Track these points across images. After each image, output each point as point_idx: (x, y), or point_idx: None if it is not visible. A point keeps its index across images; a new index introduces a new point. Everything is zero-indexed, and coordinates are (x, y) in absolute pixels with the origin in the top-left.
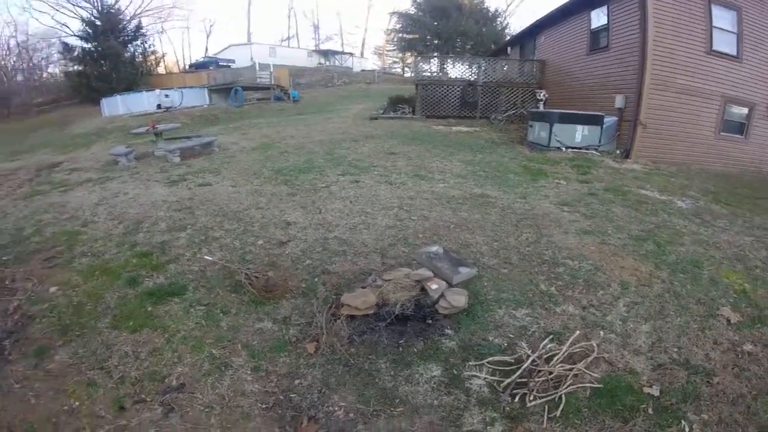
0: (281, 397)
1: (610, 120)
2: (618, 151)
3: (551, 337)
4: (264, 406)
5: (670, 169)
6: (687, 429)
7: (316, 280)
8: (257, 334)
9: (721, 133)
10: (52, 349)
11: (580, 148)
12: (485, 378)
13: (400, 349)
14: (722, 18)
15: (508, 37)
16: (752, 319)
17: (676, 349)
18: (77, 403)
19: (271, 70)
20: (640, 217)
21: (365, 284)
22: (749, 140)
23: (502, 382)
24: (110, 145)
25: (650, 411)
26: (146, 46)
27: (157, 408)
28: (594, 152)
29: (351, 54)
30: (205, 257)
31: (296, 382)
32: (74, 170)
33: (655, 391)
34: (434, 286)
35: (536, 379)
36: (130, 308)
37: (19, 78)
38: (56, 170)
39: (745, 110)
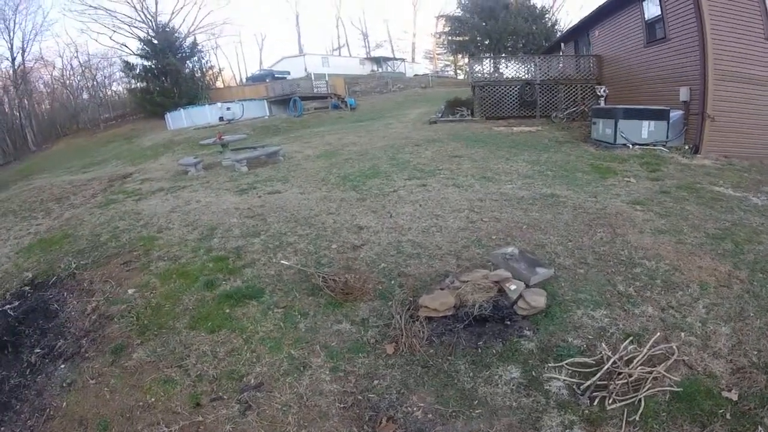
0: (359, 397)
1: (676, 114)
2: (687, 147)
3: (631, 338)
4: (342, 405)
5: (742, 164)
6: None
7: (392, 282)
8: (335, 335)
9: None
10: (130, 348)
11: (647, 145)
12: (564, 380)
13: (479, 350)
14: None
15: (559, 34)
16: None
17: (755, 352)
18: (153, 399)
19: (327, 79)
20: (716, 215)
21: (443, 286)
22: None
23: (582, 384)
24: (178, 157)
25: (728, 416)
26: (203, 61)
27: (234, 406)
28: (662, 148)
29: (402, 59)
30: (281, 261)
31: (375, 382)
32: (145, 180)
33: (733, 396)
34: (513, 287)
35: (616, 382)
36: (208, 310)
37: (85, 96)
38: (128, 180)
39: None
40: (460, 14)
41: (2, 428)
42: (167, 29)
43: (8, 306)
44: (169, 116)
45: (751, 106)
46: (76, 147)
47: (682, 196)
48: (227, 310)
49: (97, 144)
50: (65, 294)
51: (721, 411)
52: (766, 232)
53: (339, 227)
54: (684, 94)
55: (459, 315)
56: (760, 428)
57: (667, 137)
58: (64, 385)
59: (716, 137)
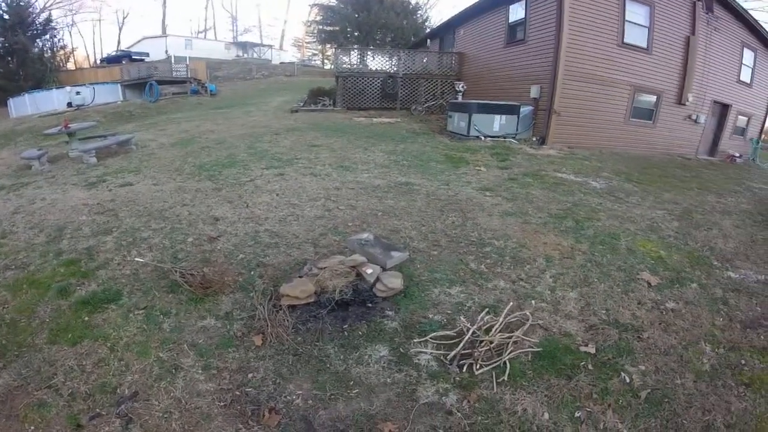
0: (237, 392)
1: (526, 109)
2: (534, 139)
3: (487, 310)
4: (222, 404)
5: (584, 154)
6: (628, 379)
7: (252, 273)
8: (201, 332)
9: (631, 119)
10: None
11: (498, 137)
12: (431, 353)
13: (345, 333)
14: (635, 13)
15: (428, 30)
16: (671, 281)
17: (604, 311)
18: (32, 428)
19: (188, 62)
20: (558, 198)
21: (301, 274)
22: (657, 125)
23: (448, 354)
24: (21, 149)
25: (590, 367)
26: (56, 40)
27: (115, 421)
28: (512, 140)
29: (270, 46)
30: (136, 259)
31: (249, 375)
32: None
33: (591, 349)
34: (369, 271)
35: (479, 349)
36: (66, 320)
37: None
38: None
39: (654, 98)
40: (334, 4)
41: None
42: (21, 3)
43: None
44: (11, 102)
45: (595, 102)
46: None
47: (527, 182)
48: (86, 318)
49: None
50: None
51: (582, 363)
52: (603, 210)
53: (195, 219)
54: (535, 91)
55: (321, 301)
56: (623, 374)
57: (517, 130)
58: None
59: (561, 130)
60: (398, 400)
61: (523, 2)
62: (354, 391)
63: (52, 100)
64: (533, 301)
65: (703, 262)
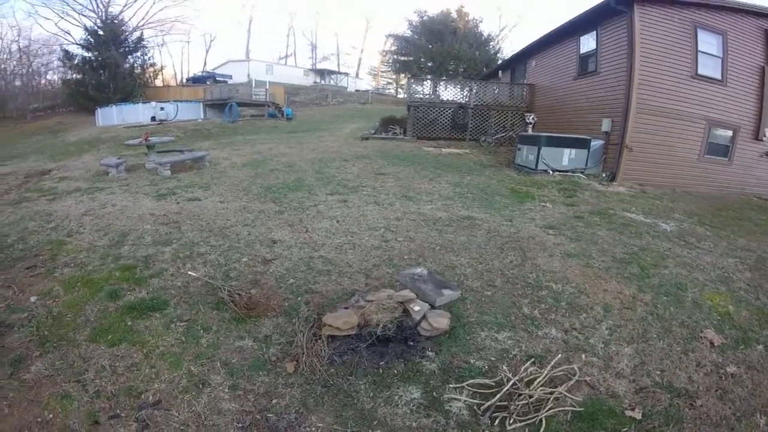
0: (258, 416)
1: (596, 143)
2: (604, 174)
3: (532, 360)
4: (240, 425)
5: (655, 192)
6: None
7: (299, 299)
8: (237, 352)
9: (706, 156)
10: (29, 360)
11: (567, 171)
12: (465, 401)
13: (380, 370)
14: (707, 42)
15: (500, 61)
16: (736, 341)
17: (658, 372)
18: (51, 416)
19: (267, 87)
20: (625, 240)
21: (348, 305)
22: (733, 163)
23: (483, 404)
24: (102, 155)
25: None
26: (146, 57)
27: (132, 424)
28: (581, 175)
29: (346, 74)
30: (189, 273)
31: (274, 401)
32: (64, 178)
33: (637, 415)
34: (416, 308)
35: (516, 403)
36: (110, 321)
37: (17, 83)
38: (45, 178)
39: (729, 133)
40: (408, 35)
41: None
42: (116, 21)
43: None
44: (99, 112)
45: (669, 138)
46: None
47: (594, 222)
48: (129, 323)
49: (21, 135)
50: None
51: (624, 429)
52: (672, 256)
53: (253, 240)
54: (606, 124)
55: (362, 334)
56: None
57: (587, 165)
58: None
59: (633, 166)
60: None
61: (594, 33)
62: None
63: (138, 113)
64: (583, 355)
65: None
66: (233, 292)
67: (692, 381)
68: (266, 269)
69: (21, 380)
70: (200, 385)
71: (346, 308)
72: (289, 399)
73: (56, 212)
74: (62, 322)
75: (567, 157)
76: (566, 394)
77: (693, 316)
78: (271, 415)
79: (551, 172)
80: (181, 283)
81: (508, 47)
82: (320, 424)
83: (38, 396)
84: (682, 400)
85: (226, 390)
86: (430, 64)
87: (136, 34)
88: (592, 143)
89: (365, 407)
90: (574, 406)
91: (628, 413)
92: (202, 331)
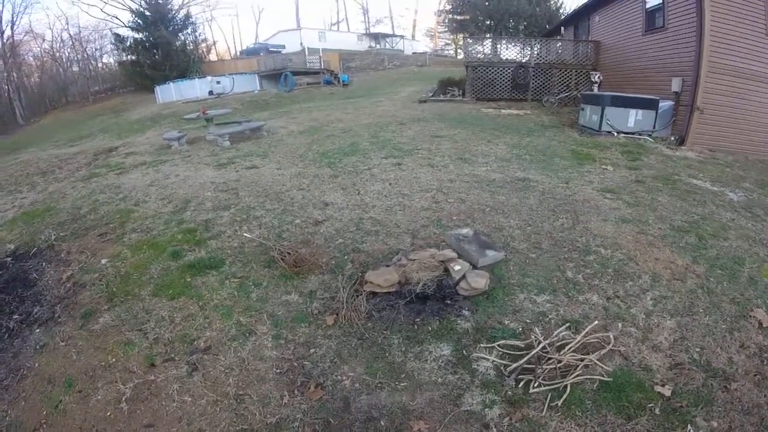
0: (295, 363)
1: (665, 104)
2: (672, 138)
3: (568, 325)
4: (278, 371)
5: (726, 159)
6: None
7: (345, 257)
8: (283, 305)
9: None
10: (98, 313)
11: (632, 134)
12: (493, 361)
13: (415, 326)
14: None
15: (563, 17)
16: None
17: (698, 349)
18: (113, 360)
19: (321, 54)
20: (686, 208)
21: (390, 263)
22: None
23: (510, 366)
24: (164, 131)
25: (657, 411)
26: (196, 34)
27: (183, 366)
28: (647, 138)
29: (402, 37)
30: (245, 234)
31: (311, 350)
32: (129, 154)
33: (666, 391)
34: (456, 267)
35: (544, 366)
36: (171, 278)
37: (75, 68)
38: (112, 154)
39: None
40: None
41: None
42: (160, 1)
43: None
44: (158, 89)
45: (742, 101)
46: (65, 120)
47: (656, 187)
48: (188, 279)
49: (86, 117)
50: (44, 264)
51: (650, 405)
52: (734, 228)
53: (306, 203)
54: (676, 84)
55: (402, 292)
56: (690, 427)
57: (654, 127)
58: (38, 347)
59: (703, 130)
60: (440, 401)
61: None
62: (402, 384)
63: (195, 88)
64: (621, 324)
65: None
66: (284, 251)
67: (732, 362)
68: (317, 230)
69: (89, 330)
70: (247, 334)
71: (387, 266)
72: (325, 349)
73: (124, 184)
74: (129, 280)
75: (633, 118)
76: (597, 362)
77: (746, 293)
78: (307, 363)
79: (616, 134)
80: (237, 244)
81: (571, 2)
82: (351, 374)
83: (104, 343)
84: (716, 381)
85: (270, 339)
86: (488, 23)
87: (183, 11)
88: (660, 104)
89: (396, 360)
90: (603, 376)
91: (658, 389)
92: (253, 286)
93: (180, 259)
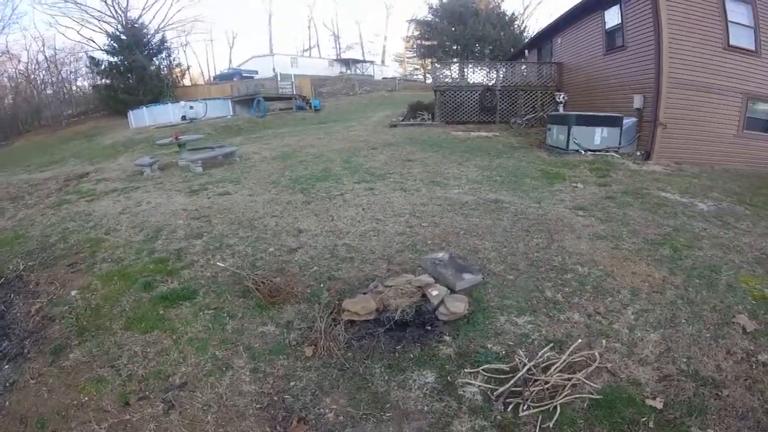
0: (275, 398)
1: (629, 121)
2: (638, 153)
3: (551, 345)
4: (258, 406)
5: (692, 170)
6: None
7: (321, 285)
8: (260, 337)
9: (745, 131)
10: (68, 348)
11: (599, 151)
12: (479, 386)
13: (397, 354)
14: (737, 12)
15: (526, 40)
16: None
17: (685, 359)
18: (86, 398)
19: (293, 80)
20: (658, 221)
21: (367, 290)
22: None
23: (496, 390)
24: (136, 156)
25: (651, 425)
26: (171, 59)
27: (159, 405)
28: (614, 154)
29: (372, 62)
30: (218, 263)
31: (291, 384)
32: (101, 180)
33: (658, 404)
34: (434, 293)
35: (531, 389)
36: (143, 311)
37: (49, 91)
38: (84, 180)
39: None
40: (430, 19)
41: None
42: (136, 25)
43: None
44: (131, 114)
45: (704, 113)
46: (37, 144)
47: (626, 202)
48: (161, 311)
49: (58, 141)
50: (12, 296)
51: (643, 419)
52: (708, 237)
53: (280, 230)
54: (638, 101)
55: (381, 319)
56: None
57: (620, 144)
58: (7, 384)
59: (668, 144)
60: (429, 430)
61: (618, 7)
62: (387, 414)
63: (168, 113)
64: (605, 341)
65: None
66: (258, 280)
67: (720, 369)
68: (291, 258)
69: (60, 367)
70: (224, 368)
71: (364, 294)
72: (306, 381)
73: (95, 212)
74: (100, 313)
75: (599, 135)
76: (584, 380)
77: (726, 300)
78: (288, 396)
79: (583, 151)
80: (210, 274)
81: (534, 25)
82: (334, 406)
83: (75, 381)
84: (707, 389)
85: (248, 373)
86: (455, 47)
87: (158, 36)
88: (624, 121)
89: (379, 390)
90: (592, 394)
91: (649, 402)
92: (228, 318)
93: (152, 290)
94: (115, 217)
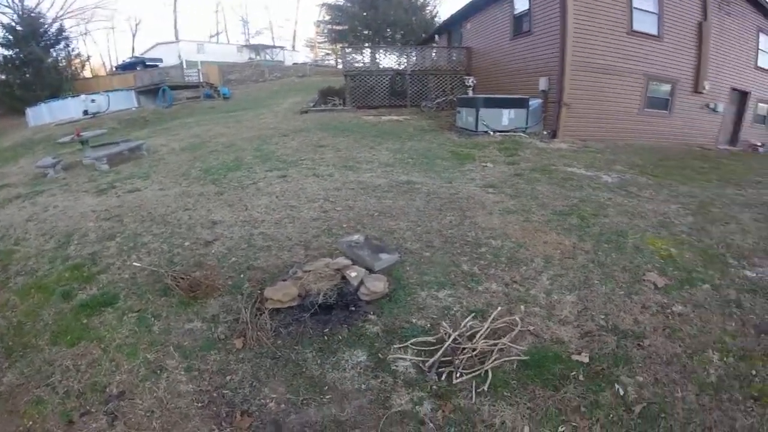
0: (215, 394)
1: (535, 102)
2: (545, 132)
3: (473, 315)
4: (200, 404)
5: (597, 146)
6: (621, 392)
7: (241, 276)
8: (188, 334)
9: (646, 109)
10: (1, 372)
11: (507, 131)
12: (410, 359)
13: (325, 337)
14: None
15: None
16: (681, 281)
17: (603, 316)
18: (30, 423)
19: (200, 67)
20: (565, 193)
21: (287, 277)
22: (674, 115)
23: (427, 361)
24: (38, 157)
25: (581, 377)
26: (70, 49)
27: (102, 418)
28: (522, 134)
29: (282, 48)
30: (134, 264)
31: (228, 378)
32: (3, 186)
33: (584, 358)
34: (353, 274)
35: (460, 357)
36: (67, 323)
37: None
38: None
39: (668, 87)
40: (341, 3)
41: None
42: (33, 14)
43: None
44: (29, 112)
45: (607, 93)
46: None
47: (534, 178)
48: (85, 321)
49: None
50: None
51: (573, 374)
52: (612, 206)
53: (194, 223)
54: (543, 83)
55: (305, 304)
56: (617, 386)
57: (527, 124)
58: None
59: (573, 122)
60: (370, 407)
61: None
62: (327, 397)
63: (69, 108)
64: (523, 306)
65: (717, 260)
66: (177, 276)
67: (638, 322)
68: (208, 251)
69: None
70: (158, 371)
71: (284, 281)
72: (241, 374)
73: (0, 222)
74: (23, 331)
75: (506, 117)
76: (510, 344)
77: (635, 261)
78: (226, 391)
79: (492, 132)
80: (128, 275)
81: (446, 11)
82: (273, 395)
83: (16, 406)
84: (629, 341)
85: (182, 372)
86: (366, 33)
87: (56, 25)
88: (530, 102)
89: (314, 374)
90: (520, 356)
91: (575, 357)
92: (153, 319)
93: (71, 299)
94: (22, 225)
